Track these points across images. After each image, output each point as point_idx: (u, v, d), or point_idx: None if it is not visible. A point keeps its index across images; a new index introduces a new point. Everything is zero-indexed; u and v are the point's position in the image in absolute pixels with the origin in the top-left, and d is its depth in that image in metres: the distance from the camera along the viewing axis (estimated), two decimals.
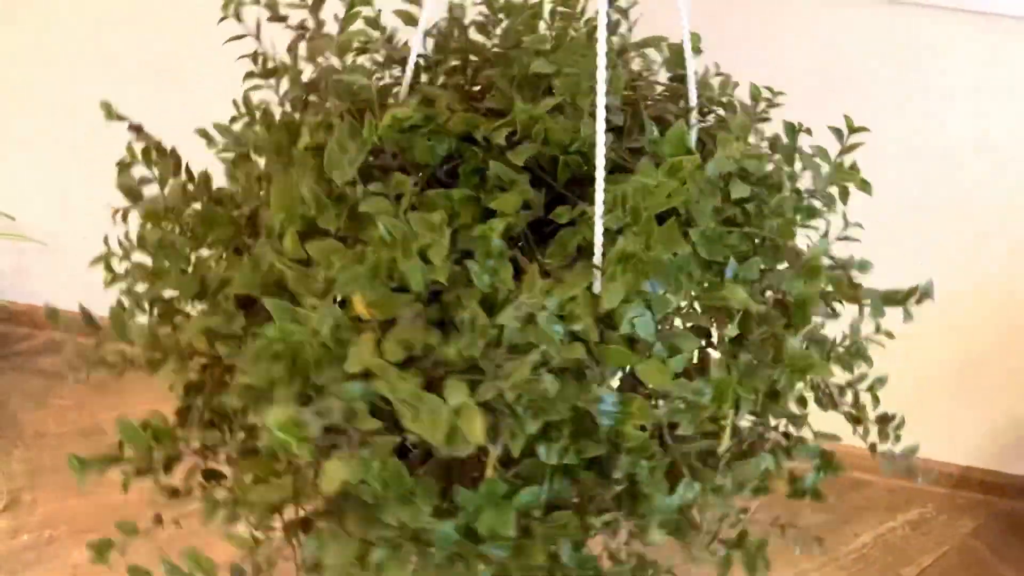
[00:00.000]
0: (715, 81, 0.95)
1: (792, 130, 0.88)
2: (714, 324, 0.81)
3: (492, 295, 0.70)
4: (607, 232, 0.72)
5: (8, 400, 2.35)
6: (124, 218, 0.84)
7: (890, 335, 0.87)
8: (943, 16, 1.61)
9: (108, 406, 2.31)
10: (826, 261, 0.86)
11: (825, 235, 0.88)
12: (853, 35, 1.65)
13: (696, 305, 0.82)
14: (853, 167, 0.87)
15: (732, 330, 0.77)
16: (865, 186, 0.88)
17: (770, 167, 0.82)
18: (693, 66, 0.85)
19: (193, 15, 1.81)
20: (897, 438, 0.89)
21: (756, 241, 0.80)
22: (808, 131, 0.88)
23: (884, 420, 0.89)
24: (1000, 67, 1.66)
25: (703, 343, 0.83)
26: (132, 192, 0.82)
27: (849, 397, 0.90)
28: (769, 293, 0.82)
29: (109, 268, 0.82)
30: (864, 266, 0.85)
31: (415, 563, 0.69)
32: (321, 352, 0.67)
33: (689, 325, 0.81)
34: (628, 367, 0.76)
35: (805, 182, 0.88)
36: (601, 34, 0.69)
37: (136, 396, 2.30)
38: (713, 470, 0.75)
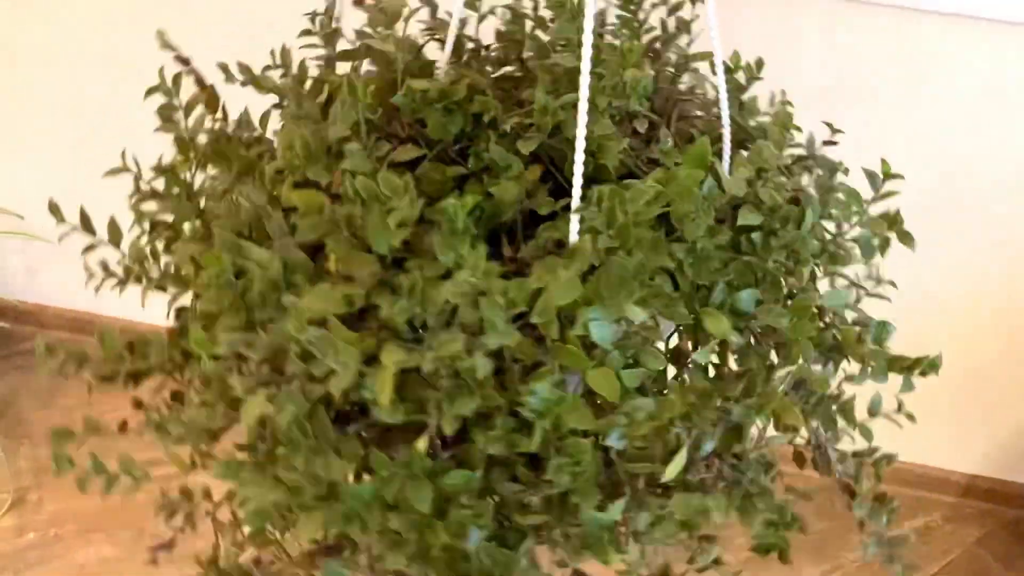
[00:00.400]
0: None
1: (832, 170, 0.82)
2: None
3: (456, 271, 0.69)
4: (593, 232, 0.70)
5: (15, 399, 2.38)
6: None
7: (911, 417, 0.81)
8: (952, 22, 1.63)
9: (115, 407, 2.35)
10: (850, 314, 0.81)
11: (851, 285, 0.83)
12: (862, 40, 1.67)
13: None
14: (896, 218, 0.82)
15: (702, 356, 0.73)
16: (907, 240, 0.82)
17: (787, 202, 0.78)
18: (724, 86, 0.82)
19: (195, 17, 1.86)
20: (890, 520, 0.83)
21: (759, 275, 0.76)
22: (846, 170, 0.84)
23: (881, 499, 0.83)
24: (1008, 74, 1.68)
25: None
26: (166, 116, 0.85)
27: (850, 466, 0.83)
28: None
29: (138, 188, 0.85)
30: (883, 330, 0.79)
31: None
32: (268, 289, 0.69)
33: (673, 346, 0.79)
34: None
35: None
36: (588, 24, 0.69)
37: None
38: (659, 497, 0.72)
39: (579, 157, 0.70)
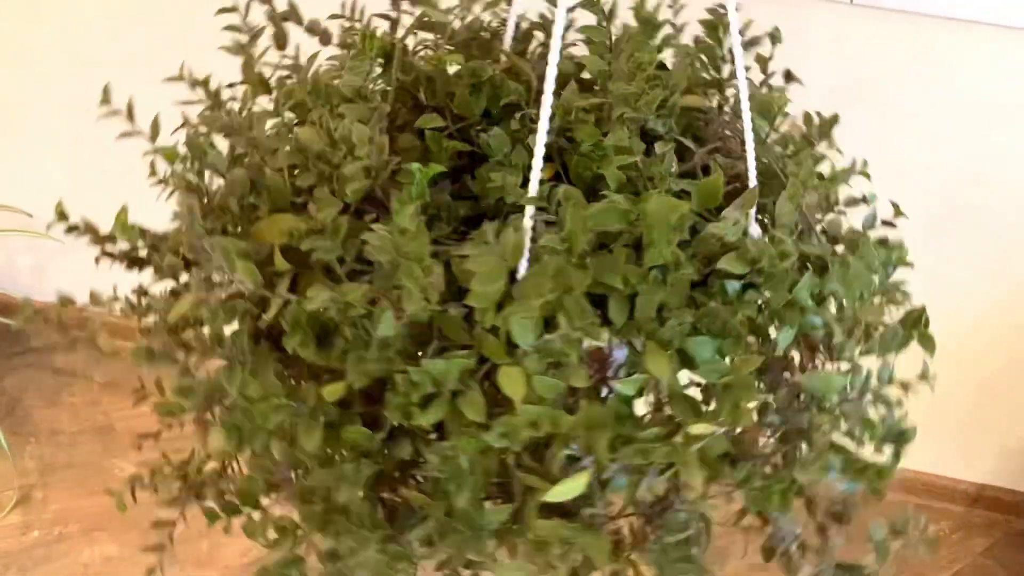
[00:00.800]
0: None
1: (853, 245, 0.76)
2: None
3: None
4: None
5: (22, 397, 2.36)
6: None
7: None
8: (959, 28, 1.63)
9: (121, 405, 2.35)
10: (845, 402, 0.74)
11: (850, 371, 0.75)
12: (869, 45, 1.67)
13: None
14: (920, 320, 0.75)
15: (624, 386, 0.69)
16: (928, 345, 0.75)
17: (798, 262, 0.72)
18: (749, 125, 0.77)
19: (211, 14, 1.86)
20: None
21: (726, 326, 0.70)
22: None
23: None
24: (1016, 81, 1.67)
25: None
26: (238, 45, 0.88)
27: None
28: None
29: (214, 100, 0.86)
30: (872, 429, 0.73)
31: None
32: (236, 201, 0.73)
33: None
34: None
35: None
36: (556, 38, 0.69)
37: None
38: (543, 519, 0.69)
39: (539, 151, 0.69)
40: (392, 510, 0.74)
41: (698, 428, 0.65)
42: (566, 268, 0.64)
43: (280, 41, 0.88)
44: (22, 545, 2.01)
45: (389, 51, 0.83)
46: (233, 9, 0.87)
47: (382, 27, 0.89)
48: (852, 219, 0.85)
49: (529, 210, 0.69)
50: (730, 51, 0.89)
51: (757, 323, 0.71)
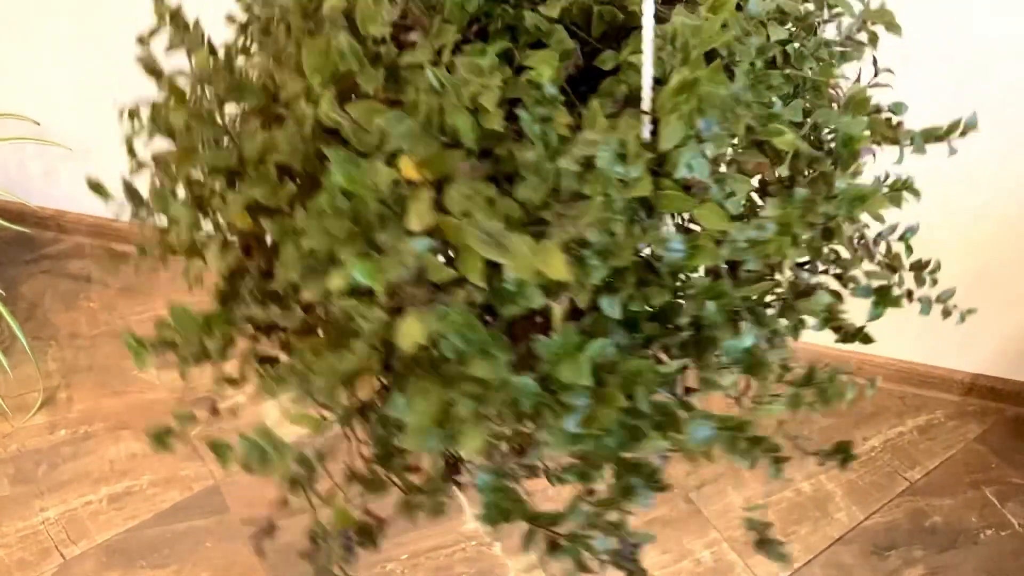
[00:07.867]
0: None
1: None
2: (759, 171, 0.79)
3: (545, 144, 0.67)
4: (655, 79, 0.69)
5: (40, 302, 2.46)
6: (132, 116, 0.78)
7: (915, 192, 0.84)
8: None
9: (137, 309, 2.47)
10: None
11: (858, 80, 0.86)
12: None
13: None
14: (883, 9, 0.85)
15: (783, 170, 0.76)
16: (894, 28, 0.85)
17: (810, 6, 0.81)
18: None
19: None
20: (933, 282, 0.91)
21: (797, 84, 0.78)
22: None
23: (919, 267, 0.90)
24: None
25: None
26: (153, 68, 0.77)
27: (883, 247, 0.89)
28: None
29: (132, 153, 0.78)
30: (898, 108, 0.84)
31: (497, 419, 0.67)
32: (381, 209, 0.65)
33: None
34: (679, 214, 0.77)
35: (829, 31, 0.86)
36: None
37: (162, 299, 2.41)
38: (770, 313, 0.76)
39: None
40: None
41: (847, 173, 0.77)
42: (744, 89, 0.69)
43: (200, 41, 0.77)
44: (50, 443, 2.12)
45: None
46: (154, 32, 0.77)
47: None
48: None
49: (647, 68, 0.69)
50: None
51: None
